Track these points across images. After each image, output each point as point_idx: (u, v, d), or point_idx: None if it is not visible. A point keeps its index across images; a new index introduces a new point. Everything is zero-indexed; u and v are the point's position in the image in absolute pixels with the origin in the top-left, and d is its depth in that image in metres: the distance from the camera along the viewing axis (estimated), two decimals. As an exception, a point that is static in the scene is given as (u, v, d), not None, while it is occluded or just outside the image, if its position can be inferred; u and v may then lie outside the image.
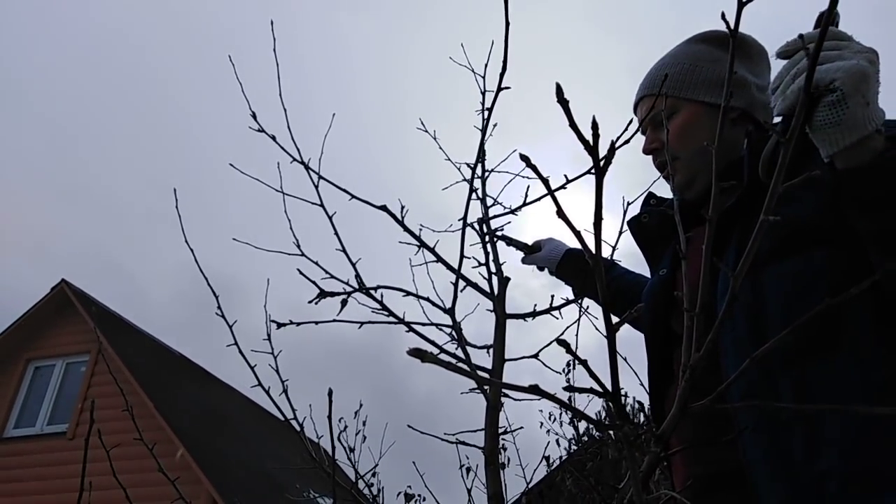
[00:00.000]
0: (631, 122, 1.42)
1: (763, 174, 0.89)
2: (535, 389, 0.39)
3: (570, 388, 0.45)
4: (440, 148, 2.05)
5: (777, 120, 0.92)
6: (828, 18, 0.61)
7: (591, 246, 0.48)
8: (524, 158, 0.45)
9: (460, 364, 1.64)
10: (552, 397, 0.42)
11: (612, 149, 0.42)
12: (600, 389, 0.45)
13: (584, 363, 0.43)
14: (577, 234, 0.44)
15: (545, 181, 0.45)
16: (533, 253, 1.73)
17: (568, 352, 0.42)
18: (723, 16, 0.77)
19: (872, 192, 0.77)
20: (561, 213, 0.44)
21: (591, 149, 0.40)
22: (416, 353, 0.32)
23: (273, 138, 1.94)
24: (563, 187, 1.61)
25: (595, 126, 0.40)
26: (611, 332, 0.44)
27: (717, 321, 0.60)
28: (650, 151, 1.26)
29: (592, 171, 0.43)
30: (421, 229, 1.86)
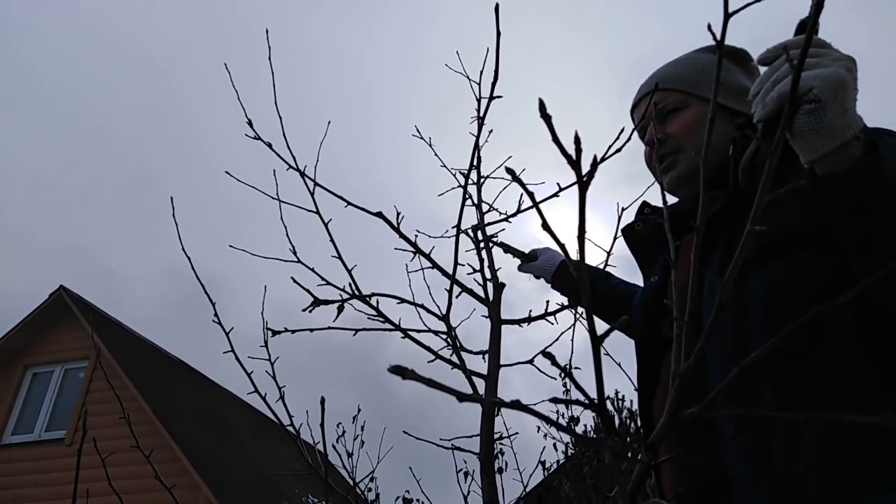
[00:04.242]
0: (622, 131, 1.42)
1: (743, 180, 0.90)
2: (517, 405, 0.40)
3: (555, 400, 0.46)
4: (435, 154, 2.06)
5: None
6: (812, 26, 0.62)
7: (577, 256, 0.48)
8: (510, 171, 0.46)
9: (453, 367, 1.65)
10: (535, 412, 0.43)
11: (595, 163, 0.43)
12: (586, 400, 0.46)
13: (569, 374, 0.44)
14: (563, 248, 0.45)
15: (531, 194, 0.46)
16: (529, 261, 1.75)
17: (553, 364, 0.42)
18: (709, 27, 0.78)
19: (848, 198, 0.78)
20: (546, 227, 0.45)
21: (574, 163, 0.41)
22: (397, 370, 0.32)
23: (269, 146, 1.94)
24: (556, 195, 1.62)
25: (577, 141, 0.40)
26: (595, 343, 0.45)
27: (705, 330, 0.60)
28: (654, 142, 1.22)
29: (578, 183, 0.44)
30: (417, 235, 1.87)
